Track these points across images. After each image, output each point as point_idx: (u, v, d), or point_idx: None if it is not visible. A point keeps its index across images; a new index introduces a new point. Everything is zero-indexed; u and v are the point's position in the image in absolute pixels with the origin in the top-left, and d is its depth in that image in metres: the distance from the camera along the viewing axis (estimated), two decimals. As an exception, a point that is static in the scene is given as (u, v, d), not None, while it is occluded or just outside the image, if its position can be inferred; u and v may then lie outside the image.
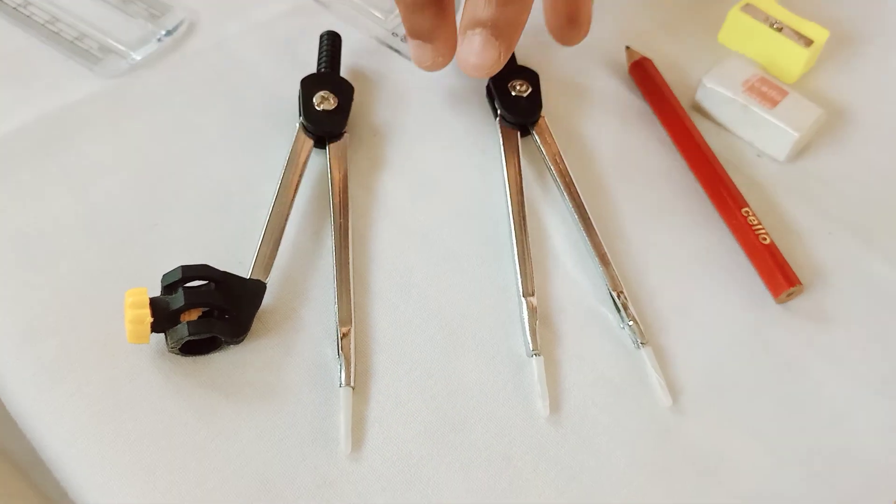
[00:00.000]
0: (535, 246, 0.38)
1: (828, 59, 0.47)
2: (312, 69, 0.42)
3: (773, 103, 0.42)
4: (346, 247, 0.37)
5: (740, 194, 0.40)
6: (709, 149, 0.42)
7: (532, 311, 0.36)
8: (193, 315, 0.33)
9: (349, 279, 0.36)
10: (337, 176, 0.39)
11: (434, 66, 0.39)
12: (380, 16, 0.45)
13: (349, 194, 0.39)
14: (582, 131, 0.43)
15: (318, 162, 0.40)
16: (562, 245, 0.39)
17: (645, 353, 0.36)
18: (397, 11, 0.46)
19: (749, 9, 0.46)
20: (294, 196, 0.38)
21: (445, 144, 0.42)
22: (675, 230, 0.40)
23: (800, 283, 0.38)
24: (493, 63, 0.37)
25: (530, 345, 0.35)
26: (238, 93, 0.43)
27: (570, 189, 0.39)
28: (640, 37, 0.46)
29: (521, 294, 0.36)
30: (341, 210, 0.38)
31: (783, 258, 0.38)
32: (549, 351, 0.36)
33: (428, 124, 0.42)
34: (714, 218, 0.40)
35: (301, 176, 0.38)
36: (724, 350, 0.36)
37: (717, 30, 0.47)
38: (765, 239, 0.38)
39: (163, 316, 0.32)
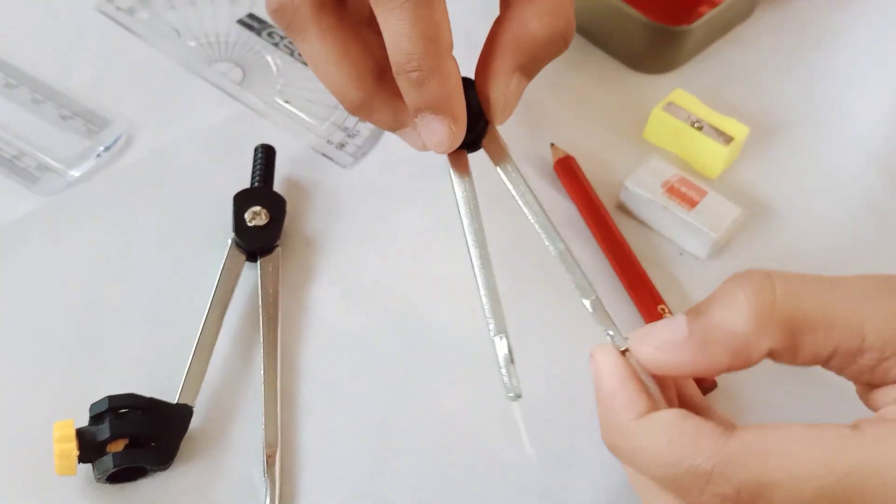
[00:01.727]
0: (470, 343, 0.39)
1: (750, 153, 0.48)
2: (249, 177, 0.44)
3: (692, 204, 0.44)
4: (275, 363, 0.38)
5: (656, 292, 0.41)
6: (628, 247, 0.43)
7: None
8: (119, 445, 0.34)
9: (276, 398, 0.37)
10: (268, 291, 0.40)
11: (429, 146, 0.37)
12: (314, 123, 0.47)
13: (280, 308, 0.40)
14: (508, 226, 0.44)
15: (251, 276, 0.41)
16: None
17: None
18: (332, 120, 0.47)
19: (671, 108, 0.47)
20: (224, 313, 0.39)
21: (377, 250, 0.43)
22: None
23: (714, 382, 0.39)
24: (449, 137, 0.36)
25: None
26: (174, 205, 0.44)
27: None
28: (567, 133, 0.48)
29: None
30: (271, 325, 0.39)
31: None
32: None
33: (360, 231, 0.44)
34: (636, 313, 0.42)
35: (232, 292, 0.39)
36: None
37: (644, 126, 0.49)
38: (681, 339, 0.39)
39: (89, 447, 0.33)
